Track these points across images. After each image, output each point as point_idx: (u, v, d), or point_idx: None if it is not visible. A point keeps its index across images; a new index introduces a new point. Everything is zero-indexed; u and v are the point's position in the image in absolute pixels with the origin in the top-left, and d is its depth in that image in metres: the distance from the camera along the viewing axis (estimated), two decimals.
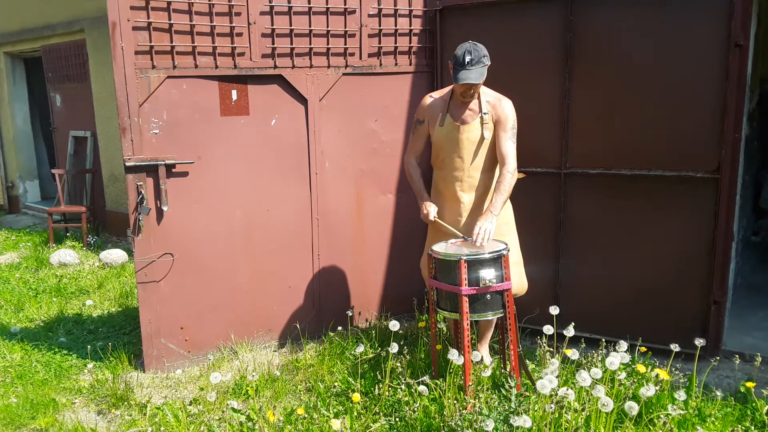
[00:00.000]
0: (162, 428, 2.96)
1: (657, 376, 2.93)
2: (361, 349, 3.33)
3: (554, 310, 3.23)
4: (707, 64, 3.35)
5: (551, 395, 2.52)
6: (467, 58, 3.09)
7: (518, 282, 3.36)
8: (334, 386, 3.31)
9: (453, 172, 3.34)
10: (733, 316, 4.07)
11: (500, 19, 3.89)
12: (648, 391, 2.50)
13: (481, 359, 3.23)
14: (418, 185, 3.44)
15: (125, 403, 3.31)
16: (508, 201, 3.42)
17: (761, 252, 5.60)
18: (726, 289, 3.53)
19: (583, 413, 2.58)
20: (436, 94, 3.42)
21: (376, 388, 3.09)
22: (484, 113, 3.27)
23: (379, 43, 4.04)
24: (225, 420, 2.98)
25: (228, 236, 3.81)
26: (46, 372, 3.75)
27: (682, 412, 2.77)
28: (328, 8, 3.86)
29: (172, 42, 3.50)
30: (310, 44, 3.85)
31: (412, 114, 4.20)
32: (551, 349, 3.31)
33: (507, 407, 2.76)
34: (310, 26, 3.83)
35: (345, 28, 3.93)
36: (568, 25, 3.66)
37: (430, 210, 3.30)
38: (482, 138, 3.27)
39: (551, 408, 2.52)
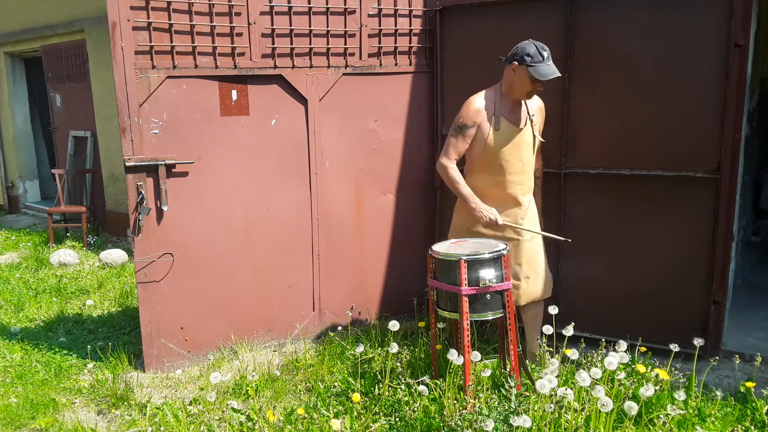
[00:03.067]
0: (162, 428, 2.96)
1: (657, 376, 2.93)
2: (361, 349, 3.33)
3: (554, 310, 3.23)
4: (707, 64, 3.35)
5: (551, 395, 2.52)
6: (545, 53, 3.10)
7: (547, 286, 3.46)
8: (334, 386, 3.31)
9: (514, 176, 3.30)
10: (733, 316, 4.07)
11: (500, 19, 3.89)
12: (647, 391, 2.50)
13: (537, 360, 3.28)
14: (468, 189, 3.32)
15: (125, 403, 3.31)
16: None
17: (761, 252, 5.60)
18: (726, 289, 3.53)
19: (582, 413, 2.58)
20: (481, 97, 3.30)
21: (376, 388, 3.09)
22: (532, 115, 3.30)
23: (379, 43, 4.04)
24: (225, 420, 2.98)
25: (228, 236, 3.81)
26: (46, 372, 3.75)
27: (681, 412, 2.77)
28: (328, 8, 3.86)
29: (172, 42, 3.50)
30: (310, 44, 3.85)
31: (413, 114, 4.21)
32: (551, 349, 3.31)
33: (507, 407, 2.76)
34: (310, 26, 3.83)
35: (345, 28, 3.93)
36: (568, 25, 3.66)
37: (498, 215, 3.24)
38: (534, 139, 3.32)
39: (551, 408, 2.52)
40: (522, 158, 3.30)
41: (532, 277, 3.40)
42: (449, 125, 4.18)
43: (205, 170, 3.70)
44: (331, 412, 2.99)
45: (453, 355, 2.84)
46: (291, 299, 4.06)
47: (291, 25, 3.78)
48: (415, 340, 3.83)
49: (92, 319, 4.65)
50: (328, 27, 3.89)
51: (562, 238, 3.35)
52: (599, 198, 3.74)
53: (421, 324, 3.95)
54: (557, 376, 2.71)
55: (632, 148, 3.60)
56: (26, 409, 3.29)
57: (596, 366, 2.93)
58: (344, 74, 3.98)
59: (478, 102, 3.29)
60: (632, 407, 2.36)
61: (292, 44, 3.81)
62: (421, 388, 2.95)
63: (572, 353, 2.90)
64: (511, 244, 3.33)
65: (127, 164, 3.48)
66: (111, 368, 3.68)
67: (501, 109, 3.26)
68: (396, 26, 4.07)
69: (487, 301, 2.95)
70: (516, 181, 3.32)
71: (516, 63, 3.15)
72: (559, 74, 3.15)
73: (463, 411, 2.74)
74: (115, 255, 6.17)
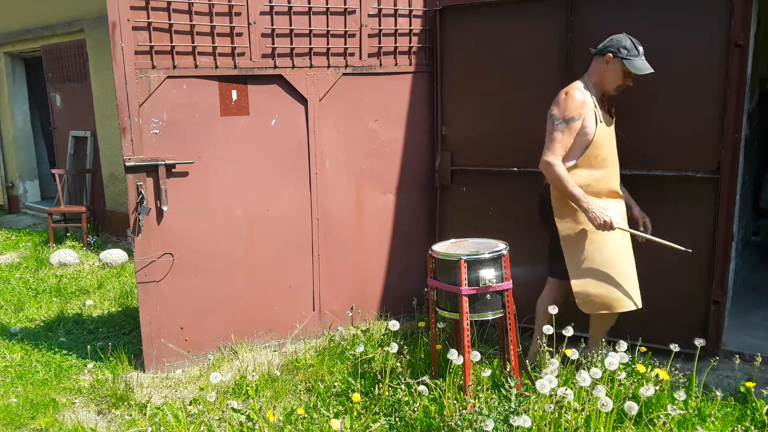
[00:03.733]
0: (162, 428, 2.96)
1: (657, 376, 2.93)
2: (361, 349, 3.33)
3: (554, 310, 3.23)
4: (707, 64, 3.35)
5: (551, 395, 2.52)
6: (640, 48, 3.08)
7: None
8: (334, 386, 3.31)
9: (614, 169, 3.24)
10: (733, 316, 4.07)
11: (500, 19, 3.89)
12: (648, 391, 2.50)
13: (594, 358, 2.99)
14: (579, 189, 3.10)
15: (125, 403, 3.31)
16: None
17: (761, 252, 5.60)
18: (726, 289, 3.53)
19: (582, 413, 2.58)
20: (580, 89, 3.18)
21: (376, 388, 3.09)
22: (612, 107, 3.28)
23: (379, 43, 4.04)
24: (225, 420, 2.98)
25: (228, 236, 3.81)
26: (46, 372, 3.75)
27: (681, 412, 2.76)
28: (328, 8, 3.86)
29: (172, 42, 3.50)
30: (310, 44, 3.85)
31: (413, 114, 4.21)
32: (551, 349, 3.31)
33: (507, 407, 2.76)
34: (310, 26, 3.83)
35: (345, 28, 3.93)
36: (568, 25, 3.66)
37: (613, 217, 3.07)
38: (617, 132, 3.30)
39: (551, 408, 2.52)
40: (615, 151, 3.24)
41: None
42: (449, 125, 4.19)
43: (205, 170, 3.70)
44: (331, 412, 2.99)
45: (453, 355, 2.84)
46: (291, 299, 4.06)
47: (291, 25, 3.78)
48: (415, 340, 3.82)
49: (92, 319, 4.65)
50: (328, 27, 3.89)
51: (683, 248, 3.14)
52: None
53: (421, 324, 3.95)
54: (557, 376, 2.71)
55: (632, 148, 3.59)
56: (26, 409, 3.29)
57: (596, 366, 2.92)
58: (344, 74, 3.98)
59: (579, 93, 3.15)
60: (632, 407, 2.36)
61: (292, 44, 3.81)
62: (421, 388, 2.95)
63: (572, 353, 2.90)
64: (626, 246, 3.25)
65: (127, 164, 3.48)
66: (111, 368, 3.68)
67: (596, 101, 3.19)
68: (396, 26, 4.07)
69: (487, 301, 2.95)
70: (616, 174, 3.24)
71: (611, 54, 3.10)
72: (652, 70, 3.09)
73: (463, 411, 2.74)
74: (115, 255, 6.17)
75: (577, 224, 3.20)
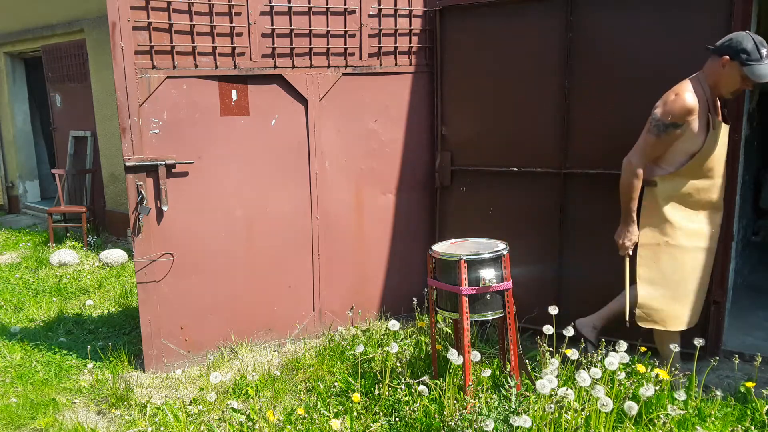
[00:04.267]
0: (162, 428, 2.96)
1: (657, 376, 2.93)
2: (361, 349, 3.33)
3: (554, 310, 3.23)
4: None
5: (551, 395, 2.52)
6: (764, 51, 2.74)
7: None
8: (334, 386, 3.31)
9: (720, 179, 2.99)
10: (733, 316, 4.07)
11: (500, 19, 3.89)
12: (647, 391, 2.50)
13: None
14: (635, 206, 2.98)
15: (125, 403, 3.31)
16: None
17: (761, 252, 5.60)
18: (726, 289, 3.53)
19: (582, 413, 2.58)
20: (692, 91, 2.87)
21: (376, 388, 3.09)
22: (725, 108, 3.00)
23: (379, 43, 4.04)
24: (225, 420, 2.98)
25: (228, 236, 3.81)
26: (46, 372, 3.75)
27: (681, 412, 2.76)
28: (328, 8, 3.86)
29: (172, 42, 3.50)
30: (310, 44, 3.85)
31: (412, 114, 4.21)
32: (551, 349, 3.31)
33: (507, 407, 2.76)
34: (310, 26, 3.83)
35: (345, 28, 3.93)
36: (568, 25, 3.66)
37: (629, 250, 3.01)
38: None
39: (551, 408, 2.52)
40: (724, 159, 2.98)
41: None
42: (449, 125, 4.19)
43: (205, 170, 3.70)
44: (331, 412, 2.99)
45: (453, 355, 2.84)
46: (291, 299, 4.06)
47: (291, 25, 3.78)
48: (415, 340, 3.82)
49: (92, 319, 4.65)
50: (328, 27, 3.89)
51: (627, 321, 3.15)
52: (599, 198, 3.73)
53: (421, 324, 3.94)
54: (557, 376, 2.71)
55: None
56: (26, 409, 3.29)
57: (596, 366, 2.92)
58: (344, 74, 3.98)
59: (690, 97, 2.85)
60: (632, 407, 2.36)
61: (292, 44, 3.81)
62: (421, 388, 2.95)
63: (572, 353, 2.90)
64: (706, 266, 3.11)
65: (127, 164, 3.48)
66: (111, 368, 3.68)
67: (710, 105, 2.91)
68: (396, 26, 4.07)
69: (487, 301, 2.95)
70: (720, 185, 3.00)
71: (728, 58, 2.81)
72: None
73: (463, 411, 2.74)
74: (115, 255, 6.17)
75: (663, 236, 3.03)
